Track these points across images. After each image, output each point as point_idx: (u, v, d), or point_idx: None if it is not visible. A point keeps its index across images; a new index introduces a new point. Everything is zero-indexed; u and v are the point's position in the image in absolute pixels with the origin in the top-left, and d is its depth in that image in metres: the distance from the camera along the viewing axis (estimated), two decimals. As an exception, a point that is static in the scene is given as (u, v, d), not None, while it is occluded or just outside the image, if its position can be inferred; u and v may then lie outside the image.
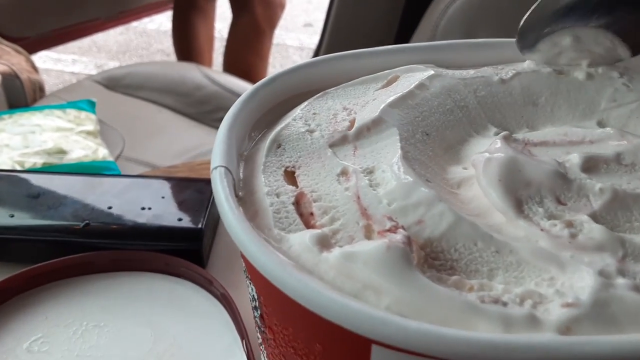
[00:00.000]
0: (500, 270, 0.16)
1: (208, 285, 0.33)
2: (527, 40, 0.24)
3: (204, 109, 0.97)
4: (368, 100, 0.23)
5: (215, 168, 0.18)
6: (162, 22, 2.26)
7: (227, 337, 0.31)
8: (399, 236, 0.16)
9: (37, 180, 0.39)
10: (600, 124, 0.23)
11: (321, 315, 0.14)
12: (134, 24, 2.20)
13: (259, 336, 0.21)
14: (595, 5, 0.23)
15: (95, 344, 0.31)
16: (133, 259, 0.34)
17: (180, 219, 0.35)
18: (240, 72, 1.22)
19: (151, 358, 0.30)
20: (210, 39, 1.43)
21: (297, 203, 0.18)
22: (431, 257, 0.16)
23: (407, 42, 0.82)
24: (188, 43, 1.40)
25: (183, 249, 0.34)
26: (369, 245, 0.15)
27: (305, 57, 2.03)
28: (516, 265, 0.16)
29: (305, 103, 0.23)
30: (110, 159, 0.77)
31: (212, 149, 0.19)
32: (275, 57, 2.05)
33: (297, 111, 0.22)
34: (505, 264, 0.16)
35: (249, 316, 0.31)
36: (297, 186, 0.19)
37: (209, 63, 1.45)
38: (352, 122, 0.21)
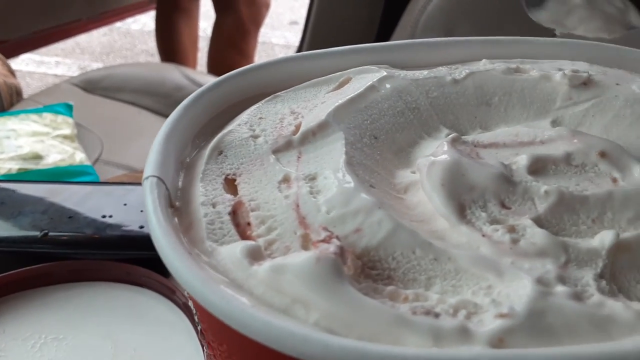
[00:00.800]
0: (438, 278, 0.15)
1: (170, 294, 0.32)
2: None
3: (184, 111, 0.96)
4: (317, 103, 0.22)
5: (147, 178, 0.17)
6: (146, 22, 2.24)
7: (189, 346, 0.30)
8: (331, 247, 0.15)
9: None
10: (555, 123, 0.22)
11: (246, 335, 0.13)
12: (118, 24, 2.18)
13: (204, 351, 0.20)
14: None
15: (54, 358, 0.30)
16: (93, 269, 0.33)
17: (142, 227, 0.34)
18: (225, 72, 1.21)
19: (110, 371, 0.29)
20: (195, 39, 1.42)
21: (235, 212, 0.18)
22: (368, 267, 0.16)
23: (388, 39, 0.82)
24: (172, 44, 1.39)
25: (146, 258, 0.34)
26: (299, 257, 0.15)
27: (291, 55, 2.02)
28: (454, 273, 0.15)
29: (254, 107, 0.22)
30: (88, 162, 0.76)
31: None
32: (260, 55, 2.04)
33: (244, 116, 0.22)
34: (443, 272, 0.15)
35: (211, 325, 0.31)
36: (236, 195, 0.18)
37: (193, 63, 1.43)
38: (298, 127, 0.21)
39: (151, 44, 2.12)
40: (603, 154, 0.19)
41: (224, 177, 0.19)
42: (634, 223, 0.17)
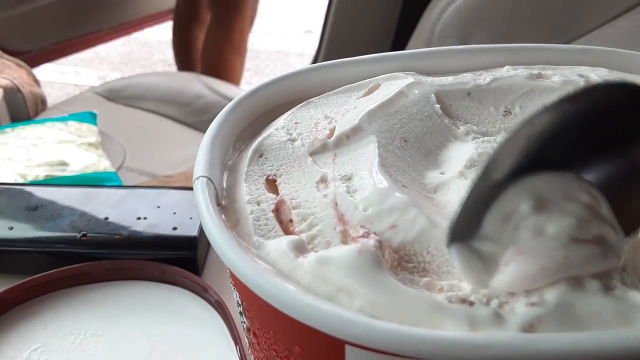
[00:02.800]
0: (471, 271, 0.16)
1: (203, 292, 0.34)
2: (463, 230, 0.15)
3: (204, 118, 0.98)
4: (349, 108, 0.24)
5: (197, 178, 0.18)
6: (163, 32, 2.28)
7: (221, 342, 0.31)
8: (371, 241, 0.16)
9: (35, 192, 0.40)
10: (577, 127, 0.23)
11: (296, 319, 0.15)
12: (136, 34, 2.22)
13: (246, 341, 0.21)
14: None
15: (93, 353, 0.31)
16: (129, 268, 0.34)
17: (175, 228, 0.36)
18: (224, 72, 1.22)
19: (147, 365, 0.30)
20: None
21: (277, 210, 0.19)
22: (404, 260, 0.17)
23: (404, 47, 0.83)
24: (189, 55, 1.41)
25: (178, 258, 0.35)
26: (342, 250, 0.16)
27: (306, 63, 2.04)
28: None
29: (289, 112, 0.24)
30: (112, 169, 0.78)
31: (195, 160, 0.20)
32: (276, 64, 2.06)
33: (280, 121, 0.23)
34: (475, 265, 0.16)
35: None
36: (278, 194, 0.20)
37: None
38: (332, 131, 0.22)
39: (168, 53, 2.16)
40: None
41: (265, 177, 0.20)
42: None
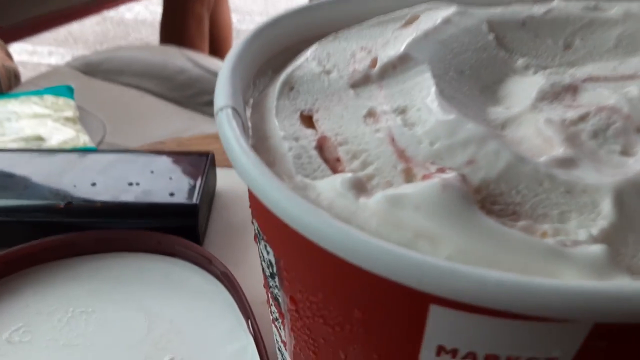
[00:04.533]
0: (573, 212, 0.13)
1: (207, 264, 0.30)
2: None
3: (188, 93, 0.94)
4: (388, 39, 0.20)
5: (221, 109, 0.15)
6: (140, 11, 2.20)
7: (229, 318, 0.28)
8: (452, 174, 0.13)
9: (12, 158, 0.35)
10: (650, 60, 0.20)
11: (370, 270, 0.11)
12: (111, 13, 2.13)
13: (275, 310, 0.18)
14: None
15: (83, 332, 0.27)
16: (121, 239, 0.31)
17: (172, 194, 0.32)
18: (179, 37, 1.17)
19: (147, 345, 0.27)
20: (205, 39, 1.34)
21: (320, 148, 0.15)
22: (489, 202, 0.13)
23: None
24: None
25: (177, 227, 0.31)
26: (419, 187, 0.13)
27: None
28: (592, 207, 0.13)
29: (315, 45, 0.20)
30: (92, 145, 0.73)
31: (215, 91, 0.16)
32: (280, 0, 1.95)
33: (308, 53, 0.20)
34: (579, 206, 0.13)
35: (253, 294, 0.28)
36: (316, 131, 0.16)
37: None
38: (374, 61, 0.19)
39: (145, 32, 2.08)
40: None
41: (299, 113, 0.17)
42: None
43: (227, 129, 0.14)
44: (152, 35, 2.01)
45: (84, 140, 0.73)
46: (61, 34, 2.03)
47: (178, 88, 0.94)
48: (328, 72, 0.18)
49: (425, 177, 0.14)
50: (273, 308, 0.18)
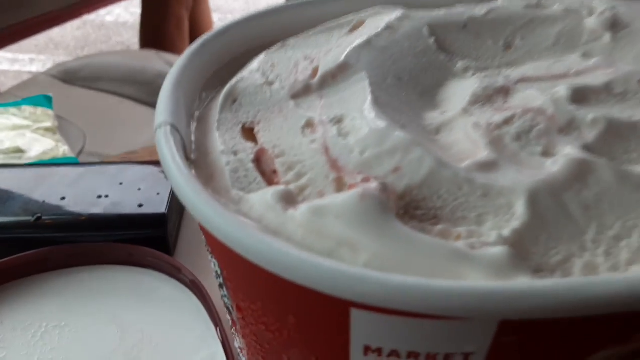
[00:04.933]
0: (490, 215, 0.14)
1: (176, 273, 0.31)
2: None
3: (168, 98, 0.93)
4: (332, 47, 0.21)
5: (160, 127, 0.15)
6: (120, 13, 2.19)
7: (199, 325, 0.29)
8: (373, 185, 0.14)
9: (-18, 175, 0.36)
10: (585, 57, 0.21)
11: (291, 280, 0.12)
12: (91, 17, 2.12)
13: (229, 318, 0.19)
14: None
15: (57, 346, 0.28)
16: (92, 252, 0.31)
17: (141, 205, 0.33)
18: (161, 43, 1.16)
19: (119, 355, 0.27)
20: (186, 40, 1.32)
21: (258, 161, 0.16)
22: (412, 207, 0.14)
23: None
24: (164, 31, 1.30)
25: (147, 237, 0.32)
26: (340, 197, 0.13)
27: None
28: (507, 208, 0.14)
29: (263, 55, 0.21)
30: (72, 155, 0.73)
31: (156, 107, 0.16)
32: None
33: (254, 64, 0.20)
34: (494, 208, 0.14)
35: (221, 302, 0.29)
36: (256, 143, 0.17)
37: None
38: (315, 71, 0.19)
39: (126, 35, 2.07)
40: (644, 82, 0.18)
41: (241, 125, 0.17)
42: (687, 147, 0.16)
43: (164, 146, 0.15)
44: (134, 37, 2.00)
45: (64, 150, 0.73)
46: (42, 40, 2.02)
47: (157, 92, 0.93)
48: (271, 84, 0.19)
49: (350, 187, 0.14)
50: (227, 316, 0.19)
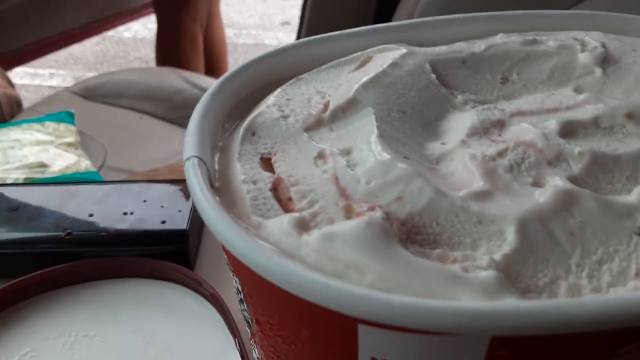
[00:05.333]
0: (484, 240, 0.16)
1: (197, 286, 0.32)
2: None
3: (185, 113, 0.97)
4: (342, 82, 0.23)
5: (188, 159, 0.17)
6: (138, 29, 2.24)
7: (219, 337, 0.30)
8: (377, 213, 0.15)
9: (14, 193, 0.38)
10: (577, 91, 0.22)
11: (304, 298, 0.14)
12: (110, 33, 2.17)
13: (248, 331, 0.20)
14: None
15: (86, 355, 0.30)
16: (118, 266, 0.33)
17: (164, 222, 0.35)
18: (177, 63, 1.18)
19: (143, 363, 0.29)
20: (200, 56, 1.35)
21: (275, 189, 0.18)
22: (413, 233, 0.16)
23: (388, 20, 0.81)
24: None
25: (169, 252, 0.34)
26: (348, 224, 0.15)
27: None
28: (499, 234, 0.16)
29: (279, 90, 0.23)
30: (93, 169, 0.76)
31: (184, 142, 0.18)
32: (254, 56, 2.02)
33: (271, 98, 0.22)
34: (488, 234, 0.16)
35: (240, 314, 0.31)
36: (274, 172, 0.19)
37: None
38: (327, 105, 0.21)
39: (144, 50, 2.12)
40: (630, 116, 0.19)
41: (259, 156, 0.19)
42: (667, 178, 0.17)
43: (192, 177, 0.17)
44: (152, 53, 2.05)
45: (86, 165, 0.76)
46: (62, 55, 2.07)
47: (175, 108, 0.96)
48: (286, 117, 0.21)
49: (357, 215, 0.16)
50: (246, 328, 0.20)
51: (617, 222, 0.16)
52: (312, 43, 0.25)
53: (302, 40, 0.25)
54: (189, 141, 0.18)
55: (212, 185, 0.18)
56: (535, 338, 0.13)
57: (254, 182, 0.18)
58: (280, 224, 0.16)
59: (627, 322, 0.13)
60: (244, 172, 0.18)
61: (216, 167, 0.19)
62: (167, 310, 0.32)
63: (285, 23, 2.31)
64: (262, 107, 0.21)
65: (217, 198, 0.18)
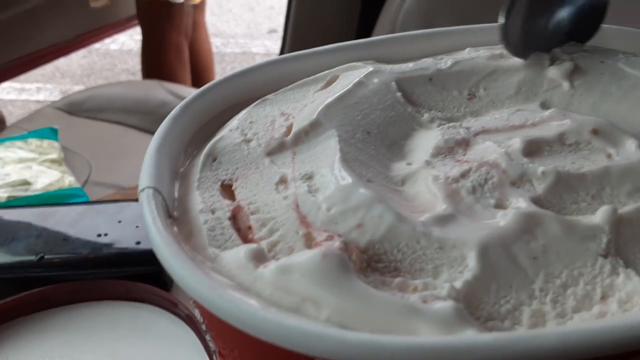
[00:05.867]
0: (445, 266, 0.15)
1: (172, 307, 0.32)
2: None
3: (171, 126, 0.95)
4: (307, 103, 0.22)
5: (142, 190, 0.17)
6: (125, 41, 2.23)
7: (195, 358, 0.30)
8: (335, 243, 0.15)
9: (-14, 217, 0.37)
10: (544, 105, 0.22)
11: (258, 337, 0.13)
12: (96, 45, 2.16)
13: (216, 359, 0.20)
14: None
15: (59, 381, 0.29)
16: (92, 289, 0.32)
17: (138, 242, 0.34)
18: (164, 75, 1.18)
19: (117, 390, 0.29)
20: (186, 68, 1.34)
21: (234, 217, 0.17)
22: (374, 260, 0.16)
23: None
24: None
25: (144, 273, 0.33)
26: (305, 256, 0.15)
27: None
28: (461, 260, 0.15)
29: (243, 112, 0.22)
30: (77, 185, 0.75)
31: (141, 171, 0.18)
32: (242, 66, 2.02)
33: (234, 122, 0.22)
34: (449, 260, 0.15)
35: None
36: (234, 199, 0.18)
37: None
38: (290, 128, 0.21)
39: (131, 62, 2.11)
40: (595, 132, 0.19)
41: (220, 183, 0.19)
42: (633, 196, 0.17)
43: (145, 209, 0.16)
44: (139, 64, 2.04)
45: (70, 181, 0.75)
46: (48, 69, 2.06)
47: (160, 121, 0.95)
48: (248, 141, 0.20)
49: (316, 245, 0.16)
50: (214, 357, 0.20)
51: (581, 244, 0.16)
52: (280, 62, 0.25)
53: (268, 60, 0.25)
54: (144, 172, 0.18)
55: (170, 215, 0.18)
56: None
57: (213, 211, 0.18)
58: (236, 256, 0.15)
59: (587, 354, 0.12)
60: (203, 200, 0.18)
61: (176, 195, 0.19)
62: (143, 332, 0.31)
63: (272, 31, 2.31)
64: (224, 131, 0.21)
65: (175, 228, 0.17)
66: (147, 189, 0.17)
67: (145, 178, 0.17)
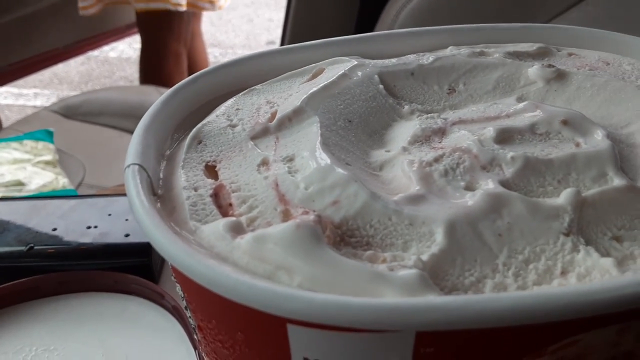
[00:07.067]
0: (414, 241, 0.16)
1: (159, 299, 0.32)
2: None
3: (166, 131, 0.96)
4: (292, 93, 0.23)
5: (128, 166, 0.18)
6: (124, 49, 2.25)
7: (181, 349, 0.30)
8: (310, 216, 0.16)
9: (-21, 208, 0.38)
10: (520, 100, 0.23)
11: (232, 299, 0.14)
12: (95, 53, 2.18)
13: (196, 338, 0.20)
14: None
15: (45, 369, 0.30)
16: (80, 280, 0.33)
17: (127, 235, 0.35)
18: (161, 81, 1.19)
19: (103, 377, 0.29)
20: (184, 76, 1.35)
21: (216, 195, 0.18)
22: (347, 235, 0.16)
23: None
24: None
25: (132, 265, 0.34)
26: (279, 227, 0.15)
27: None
28: (429, 236, 0.16)
29: (231, 100, 0.23)
30: (71, 187, 0.75)
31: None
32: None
33: (221, 108, 0.22)
34: (418, 235, 0.16)
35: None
36: (217, 179, 0.19)
37: None
38: (274, 115, 0.21)
39: (129, 70, 2.13)
40: (565, 122, 0.20)
41: (204, 164, 0.20)
42: (597, 181, 0.18)
43: (130, 184, 0.17)
44: (137, 72, 2.06)
45: (63, 183, 0.76)
46: (46, 75, 2.07)
47: (156, 126, 0.96)
48: (234, 126, 0.21)
49: (293, 218, 0.16)
50: (194, 336, 0.21)
51: (544, 223, 0.16)
52: (269, 54, 0.26)
53: (257, 52, 0.25)
54: (130, 149, 0.18)
55: (154, 193, 0.18)
56: (461, 334, 0.14)
57: (195, 189, 0.18)
58: (215, 228, 0.16)
59: (542, 317, 0.13)
60: (187, 179, 0.19)
61: (161, 175, 0.19)
62: (130, 323, 0.32)
63: (270, 43, 2.33)
64: (211, 117, 0.22)
65: (159, 205, 0.18)
66: (132, 165, 0.18)
67: (131, 155, 0.18)
